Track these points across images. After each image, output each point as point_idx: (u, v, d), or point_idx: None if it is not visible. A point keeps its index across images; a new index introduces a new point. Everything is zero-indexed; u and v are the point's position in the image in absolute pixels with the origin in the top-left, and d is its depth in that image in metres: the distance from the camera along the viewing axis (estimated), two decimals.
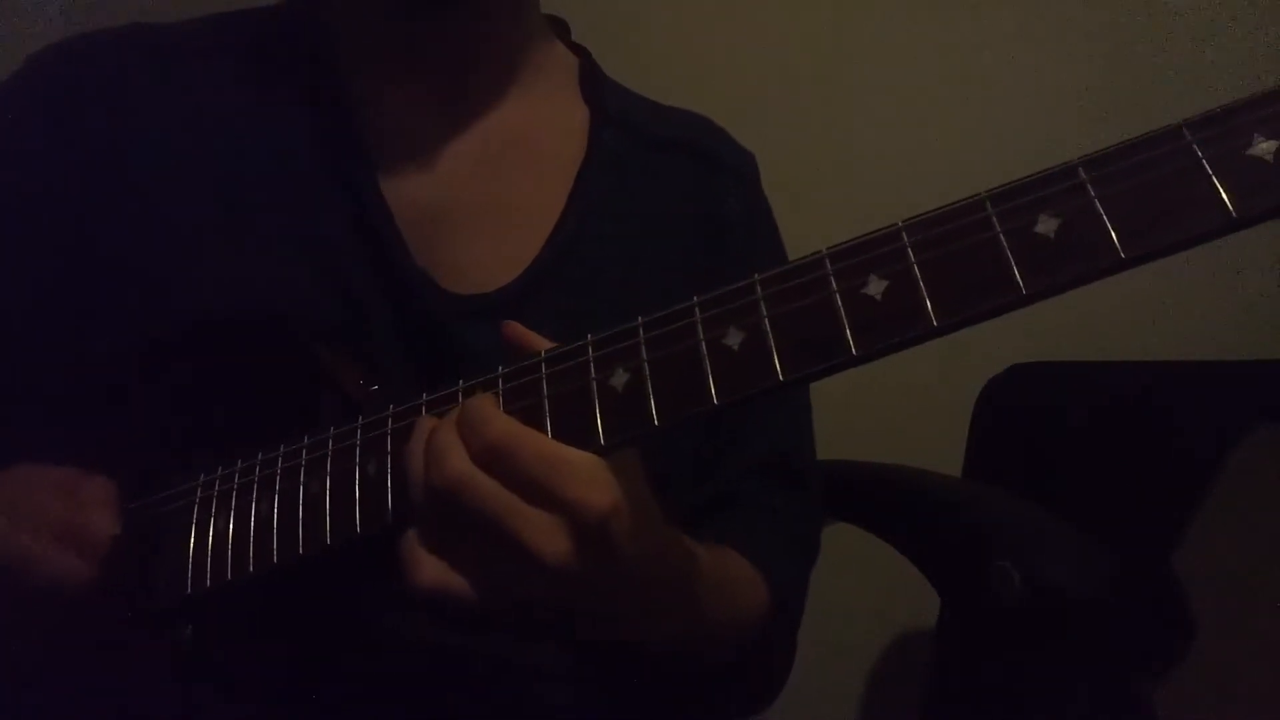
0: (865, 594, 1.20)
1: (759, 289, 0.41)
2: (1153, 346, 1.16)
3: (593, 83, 0.72)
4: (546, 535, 0.40)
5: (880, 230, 0.39)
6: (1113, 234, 0.35)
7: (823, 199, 1.23)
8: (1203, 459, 0.91)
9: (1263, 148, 0.33)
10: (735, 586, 0.59)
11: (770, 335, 0.40)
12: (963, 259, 0.37)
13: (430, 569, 0.41)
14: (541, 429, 0.43)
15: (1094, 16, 1.22)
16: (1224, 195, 0.33)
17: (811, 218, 1.22)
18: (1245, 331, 1.15)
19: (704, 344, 0.41)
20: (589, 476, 0.40)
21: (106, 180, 0.59)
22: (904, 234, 0.39)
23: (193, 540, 0.50)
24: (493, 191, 0.65)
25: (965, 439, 1.06)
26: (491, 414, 0.42)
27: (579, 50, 0.75)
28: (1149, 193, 0.35)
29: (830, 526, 1.06)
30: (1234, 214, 0.33)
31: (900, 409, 1.20)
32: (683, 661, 0.55)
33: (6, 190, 0.61)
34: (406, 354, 0.59)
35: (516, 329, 0.48)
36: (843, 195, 1.24)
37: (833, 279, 0.39)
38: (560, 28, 0.75)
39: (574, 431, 0.43)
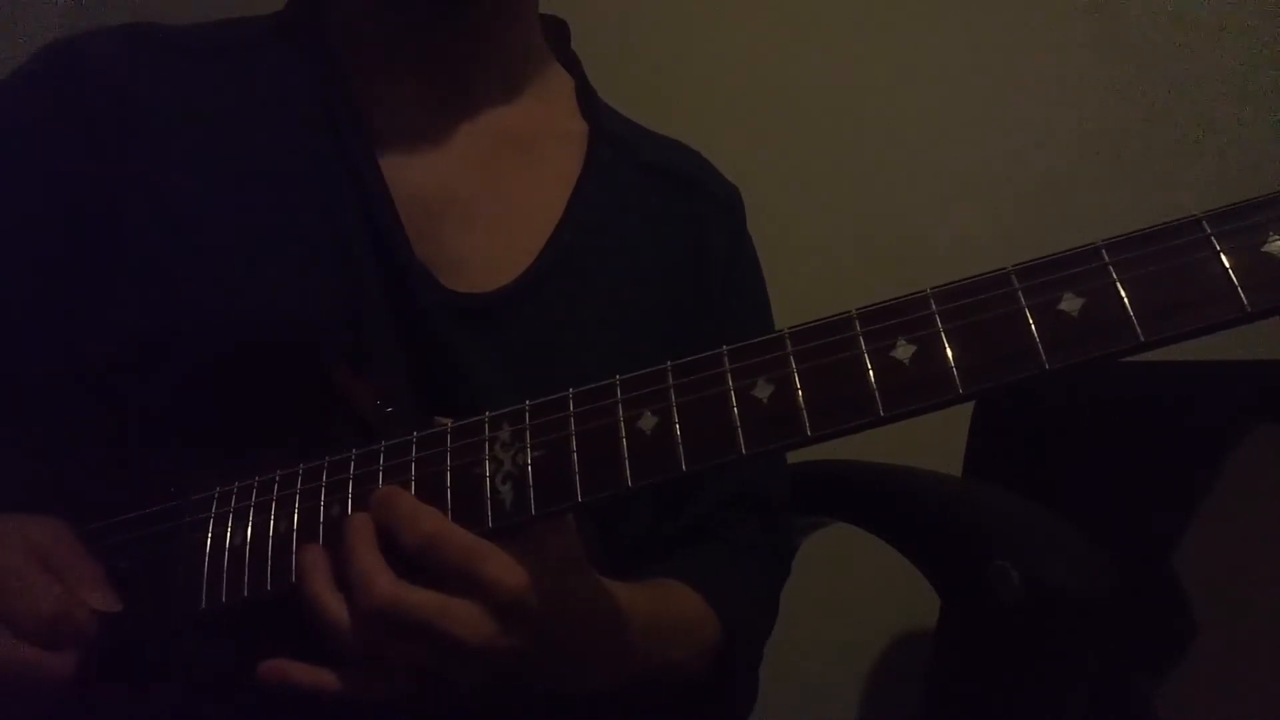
0: (865, 594, 1.20)
1: (788, 343, 0.42)
2: None
3: (589, 101, 0.74)
4: (472, 623, 0.44)
5: (908, 295, 0.40)
6: (1133, 317, 0.36)
7: (819, 203, 1.23)
8: (1203, 459, 0.91)
9: (1277, 245, 0.35)
10: (676, 631, 0.59)
11: (800, 391, 0.41)
12: (988, 330, 0.38)
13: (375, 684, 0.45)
14: (569, 469, 0.44)
15: (1107, 30, 1.22)
16: (1239, 288, 0.35)
17: (807, 225, 1.22)
18: (1245, 331, 1.15)
19: (733, 393, 0.42)
20: (500, 560, 0.44)
21: (112, 175, 0.59)
22: (932, 301, 0.40)
23: (208, 555, 0.50)
24: (492, 189, 0.65)
25: (965, 439, 1.06)
26: (419, 508, 0.45)
27: (575, 72, 0.76)
28: (1168, 280, 0.36)
29: (830, 526, 1.06)
30: (1247, 307, 0.35)
31: None
32: (628, 701, 0.57)
33: (10, 181, 0.60)
34: (402, 351, 0.59)
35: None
36: (839, 202, 1.24)
37: (862, 339, 0.40)
38: (560, 29, 0.76)
39: (599, 472, 0.43)
